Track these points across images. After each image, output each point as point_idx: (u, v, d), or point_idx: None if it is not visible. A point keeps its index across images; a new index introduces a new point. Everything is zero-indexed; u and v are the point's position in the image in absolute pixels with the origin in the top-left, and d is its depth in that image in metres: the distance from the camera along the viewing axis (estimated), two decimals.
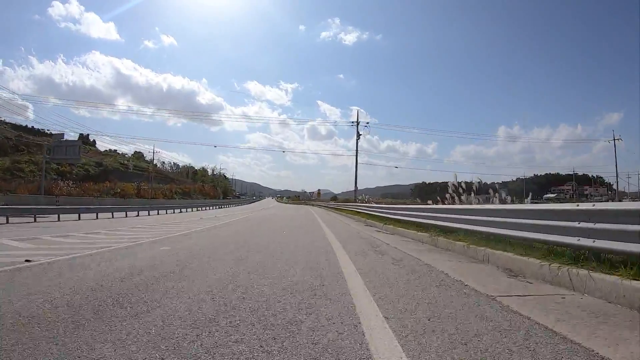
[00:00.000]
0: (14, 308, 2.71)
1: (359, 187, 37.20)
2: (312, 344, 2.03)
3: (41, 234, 9.86)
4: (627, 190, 63.73)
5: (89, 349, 1.95)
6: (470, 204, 9.78)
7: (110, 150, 70.44)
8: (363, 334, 2.17)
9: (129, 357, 1.85)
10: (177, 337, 2.13)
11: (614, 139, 50.98)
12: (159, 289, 3.38)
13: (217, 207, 48.90)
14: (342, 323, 2.38)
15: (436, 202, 12.53)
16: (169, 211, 31.02)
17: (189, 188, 70.88)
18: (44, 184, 32.09)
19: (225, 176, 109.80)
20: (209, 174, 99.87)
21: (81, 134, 64.52)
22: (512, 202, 9.70)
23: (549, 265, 4.04)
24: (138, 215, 23.90)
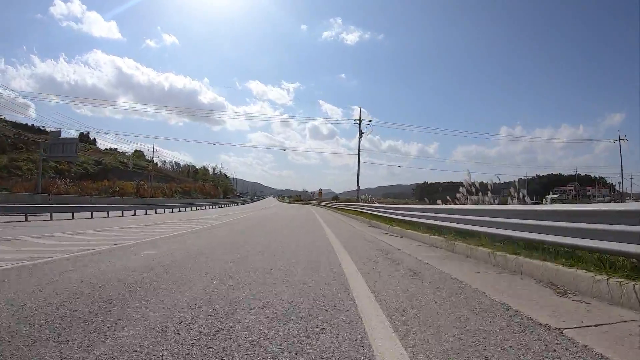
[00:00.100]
0: None
1: (361, 187, 36.39)
2: None
3: (24, 234, 9.20)
4: (629, 191, 62.57)
5: None
6: (484, 203, 8.99)
7: (110, 149, 69.94)
8: None
9: None
10: None
11: (619, 139, 49.76)
12: (112, 313, 2.60)
13: (217, 206, 48.21)
14: None
15: (446, 202, 11.75)
16: (167, 210, 30.44)
17: (189, 187, 70.21)
18: (40, 182, 31.48)
19: (226, 175, 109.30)
20: (210, 173, 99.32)
21: (81, 132, 64.13)
22: (532, 202, 8.90)
23: (607, 280, 3.26)
24: (135, 215, 23.28)
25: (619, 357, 1.86)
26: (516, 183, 8.78)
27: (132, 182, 48.93)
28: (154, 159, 61.47)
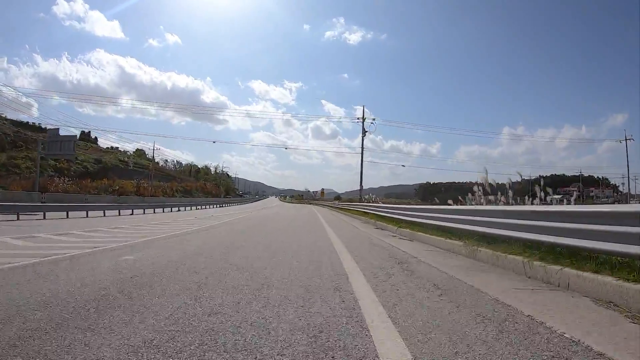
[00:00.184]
0: None
1: (363, 187, 35.55)
2: None
3: (3, 234, 8.53)
4: (633, 192, 61.27)
5: None
6: (502, 204, 8.17)
7: (112, 147, 69.41)
8: None
9: None
10: None
11: (626, 139, 48.44)
12: (40, 351, 1.85)
13: (217, 206, 47.54)
14: None
15: (457, 203, 10.95)
16: (166, 210, 29.82)
17: (190, 186, 69.62)
18: (38, 181, 30.91)
19: (228, 175, 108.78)
20: (212, 173, 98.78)
21: (83, 131, 63.77)
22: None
23: None
24: (132, 214, 22.64)
25: None
26: (541, 179, 7.94)
27: (132, 181, 48.38)
28: (154, 157, 60.91)
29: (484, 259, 5.31)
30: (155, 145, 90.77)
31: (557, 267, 3.90)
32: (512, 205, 7.44)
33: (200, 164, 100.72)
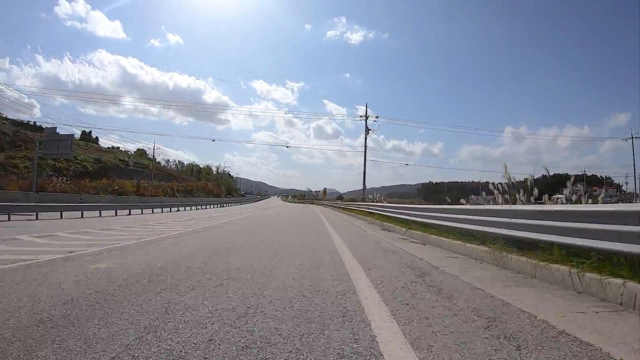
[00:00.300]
0: None
1: (366, 187, 34.80)
2: None
3: None
4: (637, 191, 60.10)
5: None
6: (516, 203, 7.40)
7: (112, 147, 68.87)
8: None
9: None
10: None
11: (632, 137, 47.31)
12: None
13: (217, 205, 46.89)
14: None
15: (468, 202, 10.20)
16: (165, 209, 29.22)
17: (191, 186, 69.06)
18: (35, 180, 30.36)
19: (229, 174, 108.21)
20: (214, 172, 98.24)
21: (84, 131, 63.35)
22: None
23: None
24: (130, 214, 22.01)
25: None
26: (570, 176, 7.18)
27: (132, 181, 47.84)
28: (155, 157, 60.36)
29: (516, 268, 4.56)
30: (158, 146, 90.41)
31: (619, 281, 3.16)
32: (536, 204, 6.66)
33: (202, 164, 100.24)
